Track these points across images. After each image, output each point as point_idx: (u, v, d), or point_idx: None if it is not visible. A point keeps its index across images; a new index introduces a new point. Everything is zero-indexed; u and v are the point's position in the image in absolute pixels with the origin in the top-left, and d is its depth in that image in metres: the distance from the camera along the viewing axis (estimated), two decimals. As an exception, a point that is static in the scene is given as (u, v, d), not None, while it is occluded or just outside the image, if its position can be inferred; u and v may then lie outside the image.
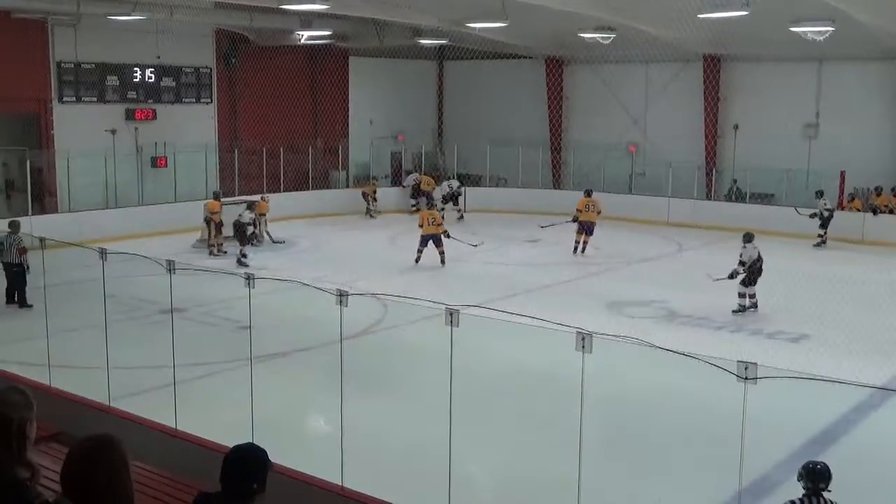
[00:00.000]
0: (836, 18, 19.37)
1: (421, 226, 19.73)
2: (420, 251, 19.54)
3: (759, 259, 15.43)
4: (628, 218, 24.98)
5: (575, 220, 21.27)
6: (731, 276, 15.46)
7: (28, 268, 15.56)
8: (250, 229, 20.33)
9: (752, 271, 15.35)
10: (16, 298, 15.74)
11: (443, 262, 19.45)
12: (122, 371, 9.71)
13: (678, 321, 14.95)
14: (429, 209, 22.36)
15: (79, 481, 3.05)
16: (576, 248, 21.22)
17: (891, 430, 10.26)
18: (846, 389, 9.91)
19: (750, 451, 5.96)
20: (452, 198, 26.90)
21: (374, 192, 27.59)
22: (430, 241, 19.52)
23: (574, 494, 6.39)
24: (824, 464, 6.28)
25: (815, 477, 6.15)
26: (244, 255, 19.87)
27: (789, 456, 8.88)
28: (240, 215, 20.23)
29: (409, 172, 29.79)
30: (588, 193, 21.85)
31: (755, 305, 15.45)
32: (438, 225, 19.74)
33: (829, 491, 6.12)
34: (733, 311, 15.33)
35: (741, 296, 15.42)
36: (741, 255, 15.44)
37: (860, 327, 13.83)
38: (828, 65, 25.44)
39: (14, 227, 16.11)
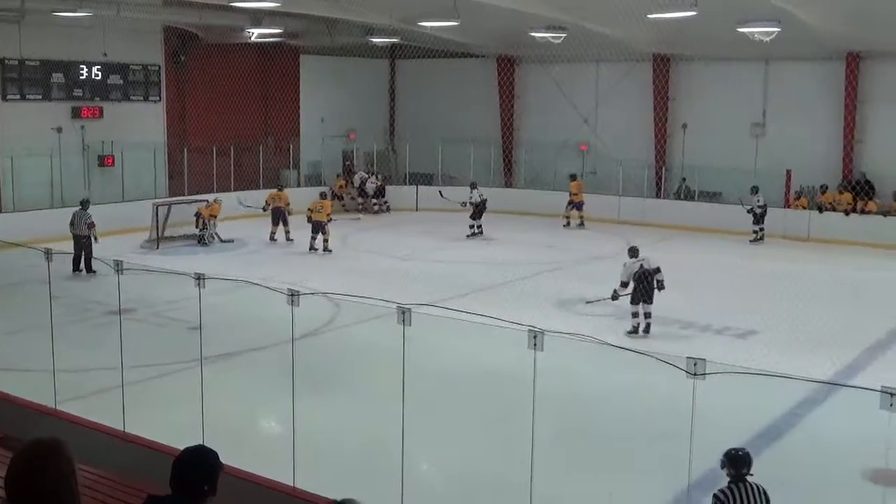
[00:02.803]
0: (782, 19, 19.67)
1: (310, 211, 21.22)
2: (314, 238, 20.92)
3: (648, 273, 13.97)
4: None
5: (571, 202, 25.39)
6: (614, 298, 14.49)
7: (96, 239, 17.88)
8: (482, 206, 23.45)
9: (639, 287, 13.97)
10: (80, 266, 17.65)
11: (325, 248, 20.87)
12: (69, 373, 9.58)
13: (629, 319, 15.06)
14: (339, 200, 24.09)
15: (23, 486, 3.00)
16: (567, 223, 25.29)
17: (835, 425, 10.46)
18: (793, 384, 10.07)
19: (699, 446, 6.04)
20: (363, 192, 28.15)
21: (343, 189, 28.05)
22: (319, 228, 20.95)
23: (526, 491, 6.43)
24: (745, 450, 6.41)
25: (738, 463, 6.26)
26: (480, 226, 23.36)
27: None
28: (470, 197, 23.54)
29: (352, 171, 29.60)
30: (573, 177, 25.95)
31: (648, 328, 13.99)
32: (327, 214, 21.21)
33: (752, 475, 6.22)
34: (626, 333, 13.95)
35: (633, 315, 14.09)
36: (621, 274, 14.30)
37: (806, 323, 14.10)
38: (774, 65, 25.81)
39: (84, 204, 18.60)
